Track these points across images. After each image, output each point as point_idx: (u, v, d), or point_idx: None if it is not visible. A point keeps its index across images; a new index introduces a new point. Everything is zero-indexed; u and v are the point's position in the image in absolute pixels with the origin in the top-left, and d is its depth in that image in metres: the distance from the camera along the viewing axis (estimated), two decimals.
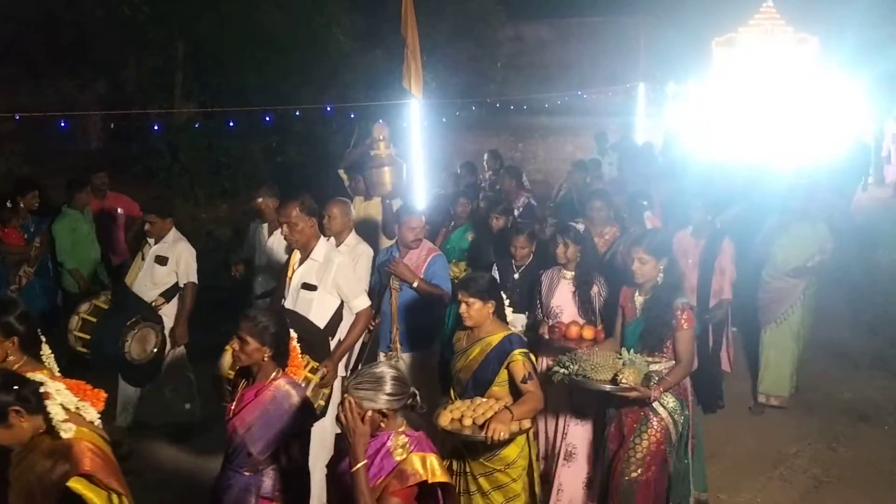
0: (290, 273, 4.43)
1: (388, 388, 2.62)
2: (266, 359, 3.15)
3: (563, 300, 4.68)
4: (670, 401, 3.88)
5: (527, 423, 3.52)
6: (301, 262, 4.41)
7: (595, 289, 4.63)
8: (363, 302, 4.47)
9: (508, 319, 4.03)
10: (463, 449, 3.65)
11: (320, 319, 4.33)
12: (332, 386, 4.18)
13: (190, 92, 12.54)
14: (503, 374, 3.63)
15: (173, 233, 5.38)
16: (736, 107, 13.65)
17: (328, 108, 11.61)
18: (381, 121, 6.14)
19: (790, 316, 5.81)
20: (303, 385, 3.52)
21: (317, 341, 4.18)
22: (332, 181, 12.80)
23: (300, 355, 3.74)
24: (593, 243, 4.88)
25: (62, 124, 8.82)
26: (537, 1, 19.58)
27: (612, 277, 4.74)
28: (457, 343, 3.84)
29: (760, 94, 13.64)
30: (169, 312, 5.26)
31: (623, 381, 3.67)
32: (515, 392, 3.62)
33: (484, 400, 3.59)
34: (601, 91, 16.47)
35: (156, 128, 10.90)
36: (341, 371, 4.42)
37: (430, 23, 11.67)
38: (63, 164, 10.05)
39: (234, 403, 3.20)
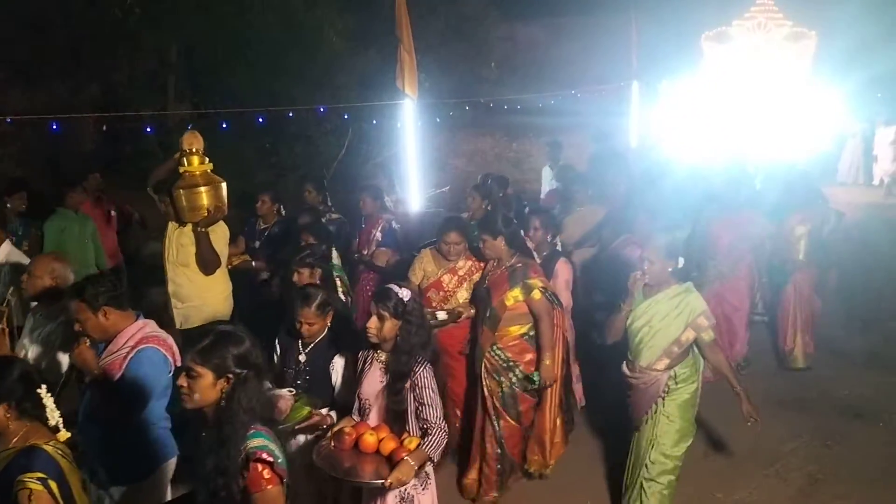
0: None
1: None
2: None
3: (371, 392, 3.50)
4: None
5: None
6: None
7: (417, 380, 3.41)
8: None
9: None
10: None
11: None
12: None
13: (182, 93, 12.52)
14: None
15: None
16: (722, 106, 13.35)
17: (321, 109, 11.59)
18: (192, 129, 5.11)
19: (642, 427, 4.19)
20: None
21: None
22: (328, 182, 12.86)
23: None
24: (421, 318, 3.57)
25: (54, 126, 8.79)
26: (528, 1, 19.60)
27: None
28: None
29: (748, 92, 13.34)
30: None
31: None
32: None
33: None
34: (594, 90, 16.47)
35: (148, 129, 10.86)
36: None
37: (424, 23, 11.67)
38: (56, 167, 10.02)
39: None
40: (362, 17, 12.85)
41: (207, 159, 4.98)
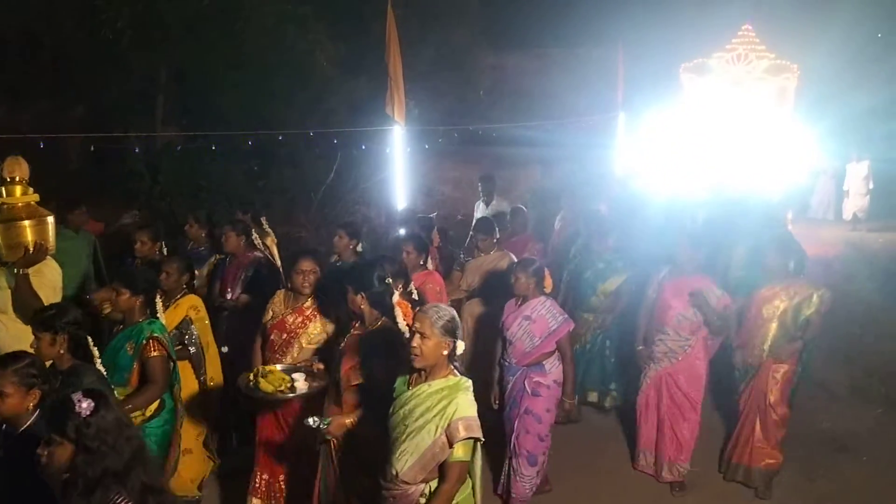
0: None
1: None
2: None
3: None
4: None
5: None
6: None
7: None
8: None
9: None
10: None
11: None
12: None
13: (171, 115, 12.51)
14: None
15: None
16: (700, 139, 13.19)
17: (311, 133, 11.63)
18: (15, 155, 4.46)
19: None
20: None
21: None
22: (315, 206, 12.87)
23: None
24: (116, 438, 2.53)
25: (41, 146, 8.75)
26: (518, 32, 19.86)
27: None
28: None
29: (727, 125, 13.17)
30: None
31: None
32: None
33: None
34: (581, 121, 16.63)
35: (136, 150, 10.85)
36: None
37: (414, 51, 11.76)
38: (42, 187, 9.94)
39: None
40: (353, 44, 12.96)
41: (32, 190, 4.39)
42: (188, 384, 4.82)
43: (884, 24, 17.53)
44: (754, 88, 13.51)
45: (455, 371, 3.20)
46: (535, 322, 4.73)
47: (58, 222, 6.46)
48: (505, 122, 16.67)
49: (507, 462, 4.91)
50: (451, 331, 3.13)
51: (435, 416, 3.07)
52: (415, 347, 3.10)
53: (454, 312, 3.21)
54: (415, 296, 4.64)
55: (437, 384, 3.13)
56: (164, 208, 11.66)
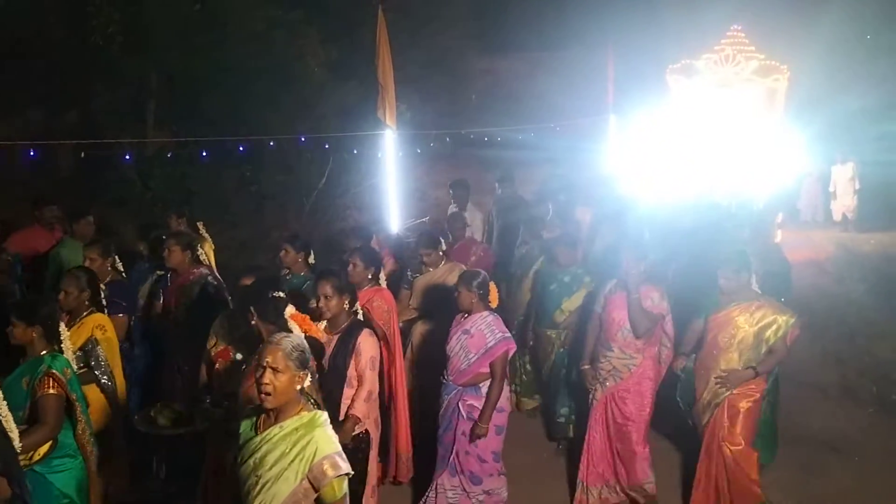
0: None
1: None
2: None
3: None
4: None
5: None
6: None
7: None
8: None
9: None
10: None
11: None
12: None
13: (162, 121, 12.49)
14: None
15: None
16: (687, 141, 13.06)
17: (302, 139, 11.62)
18: None
19: None
20: None
21: None
22: (307, 211, 12.84)
23: None
24: None
25: (32, 153, 8.72)
26: (508, 36, 19.95)
27: None
28: None
29: (711, 128, 13.06)
30: None
31: None
32: None
33: None
34: (571, 123, 16.68)
35: (127, 157, 10.81)
36: None
37: (405, 55, 11.79)
38: (33, 194, 9.90)
39: None
40: (344, 49, 12.97)
41: None
42: (95, 409, 4.26)
43: (872, 26, 17.63)
44: (743, 90, 13.45)
45: (308, 405, 2.87)
46: (472, 337, 4.44)
47: (63, 232, 6.50)
48: (497, 125, 16.72)
49: (433, 484, 4.61)
50: (304, 362, 2.83)
51: (293, 460, 2.73)
52: (266, 384, 2.73)
53: (305, 342, 2.93)
54: (360, 315, 4.33)
55: (289, 424, 2.78)
56: (156, 214, 11.65)
